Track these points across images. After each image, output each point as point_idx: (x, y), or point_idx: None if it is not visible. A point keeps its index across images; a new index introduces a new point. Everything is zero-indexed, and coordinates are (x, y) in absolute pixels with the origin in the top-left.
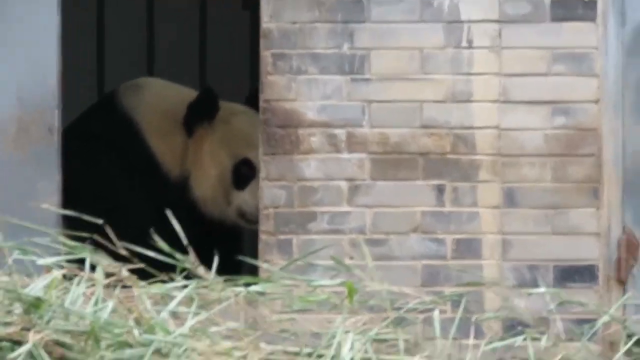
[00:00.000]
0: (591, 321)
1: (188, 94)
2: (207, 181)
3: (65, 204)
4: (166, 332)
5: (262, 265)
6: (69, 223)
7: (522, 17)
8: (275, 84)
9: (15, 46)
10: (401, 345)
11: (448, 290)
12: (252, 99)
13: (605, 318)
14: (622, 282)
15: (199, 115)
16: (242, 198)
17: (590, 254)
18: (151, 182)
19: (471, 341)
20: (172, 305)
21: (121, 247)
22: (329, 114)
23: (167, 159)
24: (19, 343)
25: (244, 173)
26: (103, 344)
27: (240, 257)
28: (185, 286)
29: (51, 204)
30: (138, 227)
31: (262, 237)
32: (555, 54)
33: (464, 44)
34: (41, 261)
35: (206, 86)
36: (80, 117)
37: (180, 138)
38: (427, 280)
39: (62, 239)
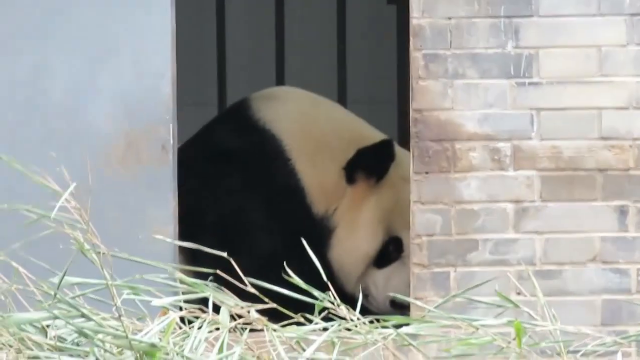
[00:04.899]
0: None
1: (338, 116)
2: (352, 253)
3: (183, 233)
4: None
5: (415, 302)
6: (187, 256)
7: None
8: (428, 91)
9: (123, 52)
10: None
11: (633, 329)
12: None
13: None
14: None
15: (368, 167)
16: (373, 278)
17: None
18: (289, 209)
19: None
20: (309, 351)
21: (249, 284)
22: (491, 124)
23: (313, 190)
24: None
25: (389, 253)
26: None
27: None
28: (325, 329)
29: (166, 235)
30: (269, 258)
31: (415, 270)
32: None
33: None
34: (156, 302)
35: (386, 139)
36: (202, 131)
37: (334, 176)
38: (607, 318)
39: (180, 275)
